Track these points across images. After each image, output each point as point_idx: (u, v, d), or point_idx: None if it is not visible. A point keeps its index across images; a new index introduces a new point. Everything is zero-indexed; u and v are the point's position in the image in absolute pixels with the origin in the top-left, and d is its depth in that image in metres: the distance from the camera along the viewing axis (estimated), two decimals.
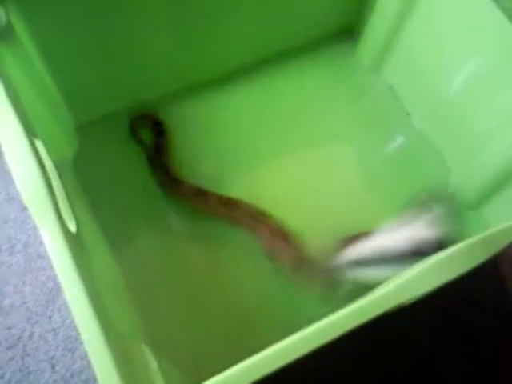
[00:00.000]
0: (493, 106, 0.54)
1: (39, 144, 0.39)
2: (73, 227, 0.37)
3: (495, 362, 0.56)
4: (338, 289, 0.49)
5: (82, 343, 0.45)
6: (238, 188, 0.59)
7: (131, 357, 0.32)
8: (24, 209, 0.59)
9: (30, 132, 0.38)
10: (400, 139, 0.64)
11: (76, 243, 0.35)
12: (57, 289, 0.55)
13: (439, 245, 0.43)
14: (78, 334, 0.31)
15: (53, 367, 0.53)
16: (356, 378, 0.54)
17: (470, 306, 0.58)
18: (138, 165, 0.60)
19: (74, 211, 0.40)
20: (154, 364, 0.34)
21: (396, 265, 0.44)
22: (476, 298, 0.58)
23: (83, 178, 0.58)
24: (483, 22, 0.51)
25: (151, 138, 0.61)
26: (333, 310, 0.33)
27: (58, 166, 0.45)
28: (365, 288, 0.39)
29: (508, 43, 0.50)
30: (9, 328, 0.54)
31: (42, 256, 0.54)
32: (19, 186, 0.34)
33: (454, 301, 0.55)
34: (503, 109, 0.53)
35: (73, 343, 0.33)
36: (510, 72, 0.51)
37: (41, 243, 0.55)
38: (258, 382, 0.31)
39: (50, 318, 0.55)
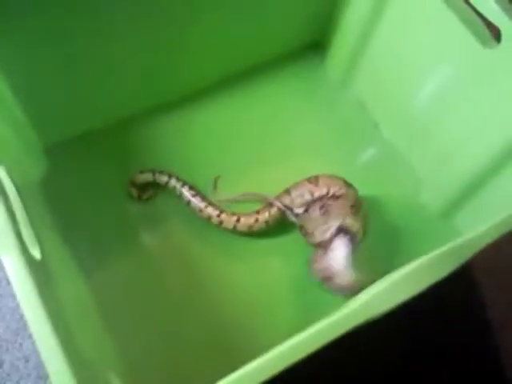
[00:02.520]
0: (460, 117, 0.55)
1: (0, 169, 0.38)
2: (37, 254, 0.36)
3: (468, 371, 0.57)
4: None
5: None
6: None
7: (97, 382, 0.32)
8: None
9: None
10: (370, 151, 0.65)
11: (40, 270, 0.34)
12: None
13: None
14: None
15: None
16: None
17: (440, 314, 0.58)
18: (109, 186, 0.59)
19: (39, 237, 0.39)
20: None
21: None
22: (447, 304, 0.58)
23: (52, 200, 0.56)
24: (447, 36, 0.52)
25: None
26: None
27: (23, 189, 0.44)
28: None
29: (471, 57, 0.50)
30: None
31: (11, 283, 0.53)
32: None
33: (425, 309, 0.55)
34: (470, 120, 0.53)
35: (45, 370, 0.32)
36: (475, 84, 0.52)
37: None
38: None
39: (20, 345, 0.54)
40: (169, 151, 0.62)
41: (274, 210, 0.56)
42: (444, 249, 0.36)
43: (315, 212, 0.53)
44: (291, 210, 0.56)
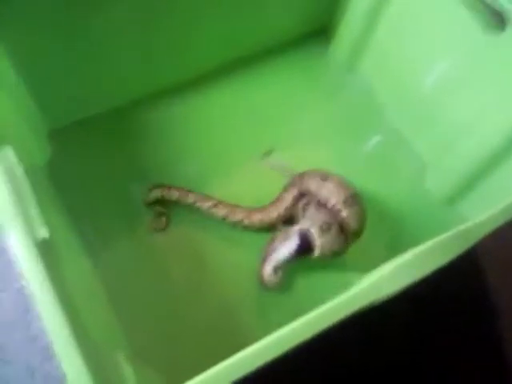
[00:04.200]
0: (465, 104, 0.55)
1: (8, 150, 0.39)
2: (45, 234, 0.36)
3: (474, 356, 0.57)
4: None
5: None
6: (218, 188, 0.59)
7: (105, 364, 0.32)
8: None
9: None
10: (375, 137, 0.65)
11: (48, 250, 0.35)
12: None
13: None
14: None
15: (32, 375, 0.52)
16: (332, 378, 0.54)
17: (447, 301, 0.58)
18: (114, 169, 0.60)
19: (46, 218, 0.39)
20: (129, 370, 0.33)
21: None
22: (453, 292, 0.59)
23: (59, 183, 0.57)
24: (453, 22, 0.52)
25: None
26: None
27: (30, 172, 0.44)
28: None
29: (477, 43, 0.50)
30: None
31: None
32: None
33: (430, 296, 0.56)
34: (475, 105, 0.53)
35: (51, 351, 0.32)
36: (481, 70, 0.52)
37: None
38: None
39: (28, 325, 0.54)
40: (172, 136, 0.62)
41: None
42: (448, 234, 0.37)
43: (332, 236, 0.53)
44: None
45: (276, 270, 0.52)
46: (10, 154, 0.39)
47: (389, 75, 0.63)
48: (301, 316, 0.33)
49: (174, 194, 0.56)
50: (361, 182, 0.59)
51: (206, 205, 0.56)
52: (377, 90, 0.66)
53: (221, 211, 0.55)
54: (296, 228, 0.53)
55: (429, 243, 0.36)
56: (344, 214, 0.54)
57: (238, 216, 0.55)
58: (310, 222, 0.53)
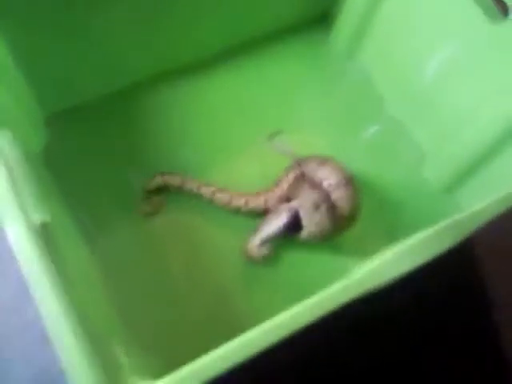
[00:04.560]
0: (465, 92, 0.54)
1: (2, 135, 0.38)
2: (39, 220, 0.36)
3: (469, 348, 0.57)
4: None
5: None
6: (218, 174, 0.59)
7: (102, 350, 0.32)
8: None
9: None
10: (375, 126, 0.64)
11: (44, 237, 0.34)
12: None
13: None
14: None
15: (27, 360, 0.52)
16: (336, 365, 0.54)
17: (443, 290, 0.58)
18: (112, 155, 0.59)
19: (42, 204, 0.39)
20: (125, 356, 0.33)
21: None
22: (451, 282, 0.59)
23: (55, 169, 0.56)
24: (454, 9, 0.51)
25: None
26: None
27: (26, 158, 0.44)
28: None
29: (478, 31, 0.50)
30: None
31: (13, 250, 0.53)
32: None
33: (427, 285, 0.56)
34: (475, 93, 0.53)
35: (46, 336, 0.32)
36: (481, 59, 0.51)
37: None
38: (238, 365, 0.31)
39: (24, 310, 0.54)
40: (172, 121, 0.62)
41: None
42: (445, 223, 0.37)
43: (321, 216, 0.53)
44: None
45: (263, 243, 0.53)
46: (4, 140, 0.38)
47: (389, 63, 0.62)
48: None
49: (176, 181, 0.56)
50: (359, 170, 0.59)
51: (208, 191, 0.56)
52: (377, 78, 0.66)
53: (222, 197, 0.55)
54: (287, 205, 0.54)
55: (426, 231, 0.36)
56: (336, 195, 0.54)
57: (240, 201, 0.55)
58: (301, 201, 0.53)
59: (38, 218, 0.36)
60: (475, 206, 0.38)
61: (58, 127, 0.59)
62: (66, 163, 0.58)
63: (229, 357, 0.31)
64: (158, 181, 0.56)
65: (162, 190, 0.57)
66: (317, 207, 0.53)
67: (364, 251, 0.54)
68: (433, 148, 0.60)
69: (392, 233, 0.57)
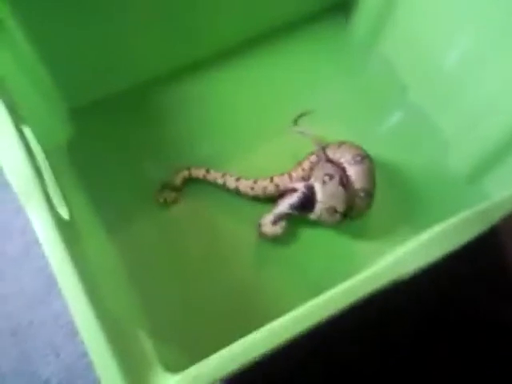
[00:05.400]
0: (490, 79, 0.53)
1: (28, 130, 0.39)
2: (64, 213, 0.37)
3: (496, 334, 0.56)
4: None
5: None
6: (237, 165, 0.59)
7: (127, 340, 0.32)
8: None
9: (17, 118, 0.37)
10: (397, 114, 0.64)
11: (68, 228, 0.35)
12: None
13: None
14: None
15: (54, 353, 0.53)
16: (351, 358, 0.54)
17: (469, 280, 0.58)
18: (133, 147, 0.60)
19: (66, 196, 0.40)
20: (149, 346, 0.34)
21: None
22: (476, 270, 0.58)
23: (79, 163, 0.57)
24: None
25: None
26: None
27: (50, 151, 0.45)
28: None
29: (504, 14, 0.49)
30: (9, 316, 0.55)
31: (40, 242, 0.54)
32: (7, 172, 0.34)
33: (453, 274, 0.55)
34: (501, 80, 0.52)
35: (74, 328, 0.33)
36: (507, 43, 0.50)
37: None
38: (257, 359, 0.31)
39: (50, 303, 0.55)
40: (192, 113, 0.62)
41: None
42: (471, 211, 0.36)
43: (334, 187, 0.53)
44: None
45: (277, 220, 0.54)
46: (28, 133, 0.39)
47: (411, 51, 0.61)
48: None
49: (201, 173, 0.57)
50: (382, 157, 0.59)
51: (233, 177, 0.56)
52: (399, 66, 0.65)
53: (247, 182, 0.56)
54: (303, 183, 0.54)
55: (452, 220, 0.36)
56: (351, 171, 0.54)
57: (265, 181, 0.56)
58: (316, 175, 0.54)
59: (61, 210, 0.37)
60: (501, 194, 0.37)
61: (82, 121, 0.60)
62: (89, 156, 0.58)
63: (249, 351, 0.31)
64: (185, 175, 0.57)
65: (185, 182, 0.58)
66: (330, 177, 0.53)
67: (383, 238, 0.56)
68: (457, 136, 0.59)
69: (412, 221, 0.56)
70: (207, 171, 0.57)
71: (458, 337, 0.56)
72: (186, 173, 0.57)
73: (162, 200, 0.56)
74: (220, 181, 0.57)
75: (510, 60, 0.51)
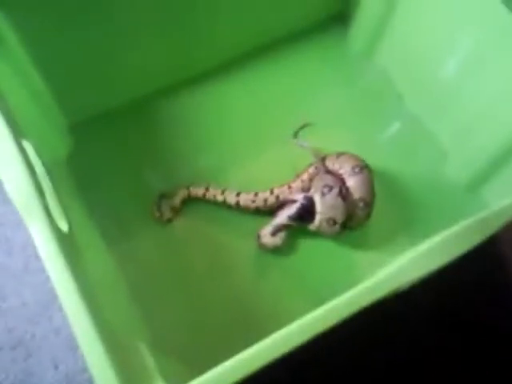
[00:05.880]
0: (486, 87, 0.53)
1: (27, 144, 0.39)
2: (64, 226, 0.37)
3: (496, 344, 0.56)
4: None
5: None
6: (237, 178, 0.59)
7: (127, 353, 0.32)
8: None
9: (18, 133, 0.38)
10: (395, 123, 0.64)
11: (68, 242, 0.35)
12: None
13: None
14: None
15: (56, 367, 0.53)
16: (353, 368, 0.54)
17: (469, 289, 0.57)
18: (133, 161, 0.60)
19: (66, 210, 0.40)
20: (150, 359, 0.34)
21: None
22: (476, 281, 0.58)
23: (79, 176, 0.58)
24: (473, 2, 0.51)
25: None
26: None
27: (50, 165, 0.45)
28: None
29: (498, 23, 0.49)
30: (10, 330, 0.55)
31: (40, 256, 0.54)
32: (7, 188, 0.34)
33: (453, 284, 0.55)
34: (497, 89, 0.52)
35: (75, 342, 0.33)
36: (502, 53, 0.50)
37: None
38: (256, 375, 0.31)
39: (50, 317, 0.55)
40: (194, 125, 0.62)
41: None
42: (471, 220, 0.36)
43: (333, 198, 0.53)
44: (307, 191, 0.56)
45: (276, 231, 0.54)
46: (29, 148, 0.39)
47: (408, 61, 0.62)
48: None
49: (200, 191, 0.57)
50: (380, 167, 0.59)
51: (233, 193, 0.56)
52: (396, 76, 0.65)
53: (248, 195, 0.56)
54: (302, 194, 0.55)
55: (451, 229, 0.36)
56: (350, 181, 0.54)
57: (265, 193, 0.56)
58: (315, 186, 0.54)
59: (61, 223, 0.37)
60: (500, 202, 0.37)
61: (82, 135, 0.60)
62: (89, 169, 0.59)
63: (250, 363, 0.31)
64: (184, 194, 0.57)
65: (184, 202, 0.58)
66: (330, 189, 0.53)
67: (383, 248, 0.56)
68: (454, 145, 0.59)
69: (411, 230, 0.57)
70: (206, 189, 0.57)
71: (456, 344, 0.56)
72: (185, 192, 0.57)
73: (158, 215, 0.56)
74: (220, 198, 0.57)
75: (506, 70, 0.51)
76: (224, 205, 0.57)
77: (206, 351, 0.39)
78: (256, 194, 0.56)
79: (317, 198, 0.53)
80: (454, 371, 0.55)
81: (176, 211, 0.57)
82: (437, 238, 0.36)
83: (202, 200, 0.57)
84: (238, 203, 0.56)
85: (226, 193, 0.56)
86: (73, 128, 0.61)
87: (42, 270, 0.55)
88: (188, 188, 0.57)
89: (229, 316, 0.52)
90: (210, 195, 0.57)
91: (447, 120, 0.60)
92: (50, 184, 0.40)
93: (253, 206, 0.56)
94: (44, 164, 0.43)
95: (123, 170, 0.60)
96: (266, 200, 0.56)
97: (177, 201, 0.57)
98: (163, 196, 0.57)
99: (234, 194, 0.56)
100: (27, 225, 0.33)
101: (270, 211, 0.56)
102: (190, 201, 0.57)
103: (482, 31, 0.52)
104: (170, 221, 0.57)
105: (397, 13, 0.60)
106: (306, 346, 0.32)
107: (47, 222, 0.33)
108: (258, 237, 0.55)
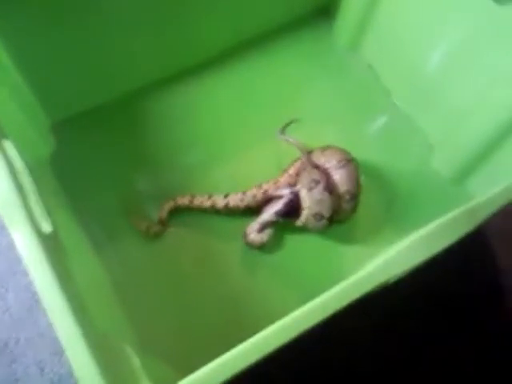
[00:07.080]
0: (471, 80, 0.54)
1: (8, 145, 0.38)
2: (47, 228, 0.36)
3: (483, 333, 0.57)
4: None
5: None
6: (225, 174, 0.59)
7: (114, 357, 0.32)
8: None
9: None
10: (381, 117, 0.64)
11: (51, 244, 0.34)
12: None
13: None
14: None
15: (41, 371, 0.52)
16: (341, 361, 0.54)
17: (457, 281, 0.58)
18: (118, 160, 0.59)
19: (49, 212, 0.39)
20: (137, 362, 0.33)
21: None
22: (463, 271, 0.58)
23: (62, 176, 0.57)
24: None
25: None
26: None
27: (33, 165, 0.44)
28: None
29: (484, 15, 0.49)
30: None
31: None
32: None
33: (440, 276, 0.55)
34: (481, 83, 0.52)
35: (60, 346, 0.32)
36: (487, 45, 0.51)
37: None
38: (246, 371, 0.31)
39: (35, 322, 0.54)
40: (180, 122, 0.62)
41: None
42: (457, 212, 0.37)
43: (320, 193, 0.53)
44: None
45: (262, 227, 0.54)
46: (10, 148, 0.38)
47: (393, 55, 0.62)
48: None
49: (186, 200, 0.56)
50: (368, 161, 0.59)
51: (220, 195, 0.56)
52: (382, 70, 0.65)
53: (236, 195, 0.56)
54: (288, 189, 0.55)
55: (440, 220, 0.36)
56: (336, 175, 0.54)
57: (253, 190, 0.56)
58: (301, 182, 0.54)
59: (45, 226, 0.36)
60: (486, 193, 0.38)
61: (65, 134, 0.59)
62: (74, 170, 0.58)
63: (237, 362, 0.30)
64: (170, 205, 0.56)
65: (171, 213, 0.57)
66: (316, 183, 0.53)
67: (370, 241, 0.56)
68: (441, 138, 0.60)
69: (398, 223, 0.57)
70: (193, 196, 0.56)
71: (444, 334, 0.56)
72: (171, 203, 0.56)
73: (143, 228, 0.55)
74: (207, 203, 0.56)
75: (491, 64, 0.51)
76: (212, 210, 0.56)
77: (194, 353, 0.39)
78: (244, 193, 0.56)
79: (303, 193, 0.53)
80: (443, 360, 0.55)
81: (163, 224, 0.56)
82: (424, 230, 0.36)
83: (189, 208, 0.56)
84: (227, 205, 0.56)
85: (214, 197, 0.56)
86: (55, 127, 0.60)
87: (26, 272, 0.55)
88: (174, 199, 0.56)
89: (217, 316, 0.52)
90: (197, 202, 0.56)
91: (433, 114, 0.60)
92: (34, 184, 0.39)
93: (242, 204, 0.56)
94: (27, 164, 0.42)
95: (107, 168, 0.59)
96: (254, 196, 0.56)
97: (163, 213, 0.56)
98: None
99: (222, 196, 0.56)
100: (8, 228, 0.33)
101: (259, 208, 0.56)
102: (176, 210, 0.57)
103: (466, 24, 0.52)
104: (157, 235, 0.55)
105: (381, 6, 0.60)
106: (295, 342, 0.32)
107: (29, 226, 0.32)
108: (245, 234, 0.54)
